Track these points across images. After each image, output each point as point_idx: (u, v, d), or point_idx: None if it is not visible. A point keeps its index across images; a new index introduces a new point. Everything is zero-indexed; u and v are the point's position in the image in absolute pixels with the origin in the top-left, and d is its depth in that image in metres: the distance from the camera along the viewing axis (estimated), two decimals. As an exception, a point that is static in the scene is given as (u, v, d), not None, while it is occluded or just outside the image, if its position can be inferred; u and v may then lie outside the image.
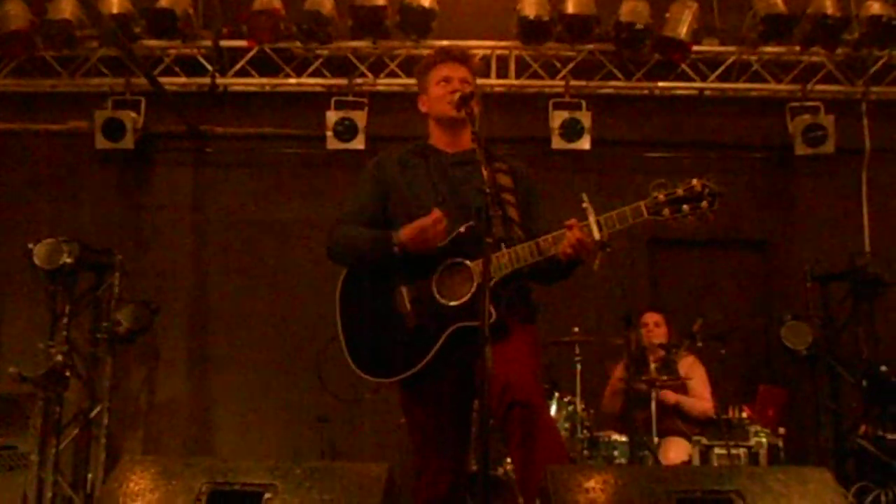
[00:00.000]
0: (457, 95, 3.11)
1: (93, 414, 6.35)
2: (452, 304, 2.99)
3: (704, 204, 2.94)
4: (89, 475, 6.31)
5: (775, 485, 2.43)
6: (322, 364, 5.29)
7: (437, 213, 2.98)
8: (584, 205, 2.97)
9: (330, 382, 5.84)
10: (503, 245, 2.95)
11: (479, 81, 6.77)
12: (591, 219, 2.93)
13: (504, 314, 2.94)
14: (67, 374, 5.90)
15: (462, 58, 3.30)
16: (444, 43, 6.83)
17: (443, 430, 3.07)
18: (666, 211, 2.95)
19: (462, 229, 3.02)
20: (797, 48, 6.90)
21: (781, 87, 7.04)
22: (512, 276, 3.01)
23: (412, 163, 3.23)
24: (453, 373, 2.99)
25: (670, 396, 5.43)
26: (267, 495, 2.40)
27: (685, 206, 2.94)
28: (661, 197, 2.94)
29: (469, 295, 2.96)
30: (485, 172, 2.83)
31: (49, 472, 5.88)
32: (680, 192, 2.95)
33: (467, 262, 3.01)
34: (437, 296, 3.01)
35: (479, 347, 2.56)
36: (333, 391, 5.75)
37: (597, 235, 2.92)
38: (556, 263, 3.01)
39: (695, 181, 2.96)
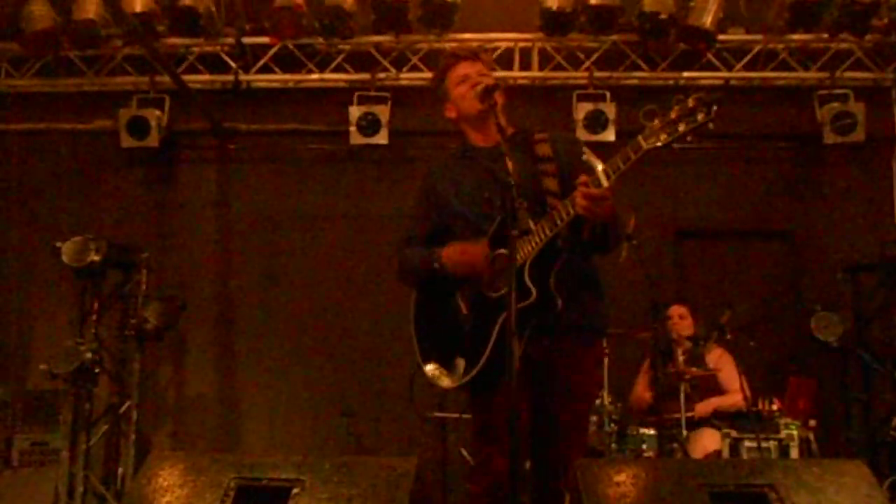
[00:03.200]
0: (479, 87, 3.11)
1: (122, 410, 6.39)
2: (495, 295, 3.02)
3: (701, 116, 2.79)
4: (119, 470, 6.35)
5: (810, 478, 2.38)
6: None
7: (485, 249, 3.04)
8: (585, 157, 2.94)
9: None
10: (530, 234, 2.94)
11: (503, 74, 6.84)
12: (598, 168, 2.86)
13: (554, 290, 2.96)
14: (97, 370, 5.94)
15: (474, 55, 3.31)
16: (467, 36, 6.83)
17: (497, 421, 3.02)
18: (663, 135, 2.83)
19: (493, 227, 3.04)
20: (825, 35, 6.78)
21: (809, 74, 6.93)
22: (549, 248, 2.97)
23: (455, 165, 3.29)
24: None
25: (705, 409, 5.36)
26: (295, 490, 2.40)
27: (682, 126, 2.82)
28: (657, 124, 2.85)
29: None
30: (509, 164, 2.81)
31: (79, 467, 5.93)
32: (673, 114, 2.83)
33: (505, 252, 2.97)
34: (485, 290, 3.05)
35: (533, 333, 2.84)
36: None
37: (605, 183, 2.85)
38: (589, 230, 2.96)
39: (688, 99, 2.82)
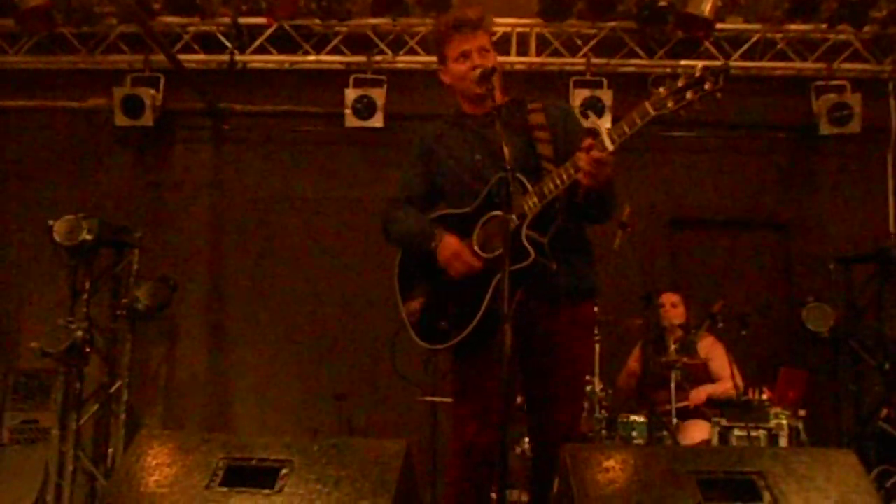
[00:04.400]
0: (477, 72, 3.10)
1: (113, 389, 6.38)
2: (489, 256, 3.02)
3: (708, 85, 2.80)
4: (110, 450, 6.36)
5: (799, 467, 2.39)
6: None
7: (477, 263, 3.05)
8: (591, 120, 2.96)
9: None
10: (523, 217, 2.98)
11: (500, 59, 6.78)
12: (603, 131, 2.85)
13: (549, 254, 2.97)
14: (88, 349, 5.92)
15: (476, 23, 3.21)
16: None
17: (484, 387, 3.04)
18: (670, 103, 2.84)
19: (486, 191, 3.07)
20: (823, 26, 6.77)
21: (807, 65, 6.92)
22: (546, 212, 2.99)
23: (449, 131, 3.30)
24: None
25: (699, 396, 5.38)
26: (283, 471, 2.40)
27: (689, 94, 2.82)
28: (664, 91, 2.85)
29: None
30: (506, 150, 2.80)
31: (70, 446, 5.92)
32: (681, 83, 2.84)
33: (501, 213, 2.92)
34: (479, 251, 3.05)
35: (526, 296, 2.88)
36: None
37: (609, 146, 2.83)
38: (586, 193, 2.94)
39: (696, 67, 2.85)
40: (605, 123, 2.82)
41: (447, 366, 3.39)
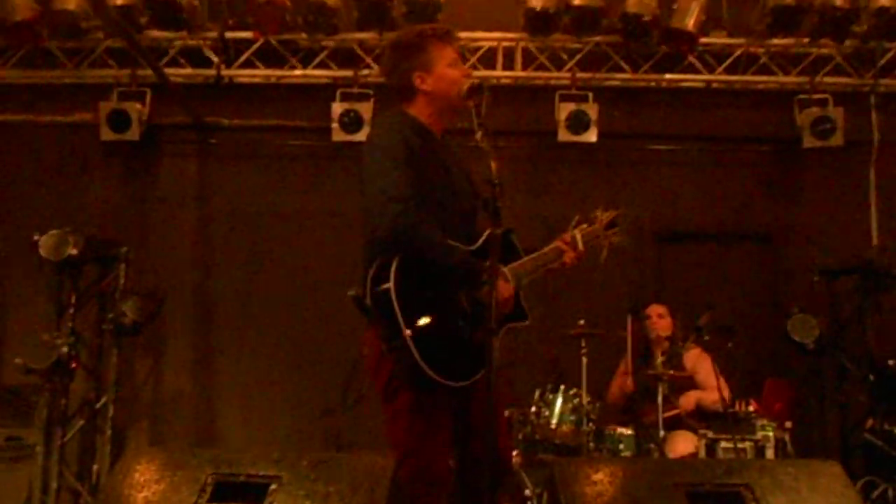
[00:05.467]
0: (467, 84, 3.04)
1: (98, 405, 6.33)
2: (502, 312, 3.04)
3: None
4: (95, 466, 6.30)
5: (785, 478, 2.41)
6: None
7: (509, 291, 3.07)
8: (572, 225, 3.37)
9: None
10: (512, 236, 3.11)
11: (486, 73, 6.85)
12: (578, 237, 3.33)
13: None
14: (73, 365, 5.88)
15: (458, 41, 3.28)
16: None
17: (447, 426, 3.01)
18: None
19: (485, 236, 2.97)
20: (805, 40, 6.85)
21: (789, 79, 7.00)
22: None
23: (419, 139, 3.08)
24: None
25: (687, 402, 5.39)
26: (272, 486, 2.39)
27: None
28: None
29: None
30: (493, 165, 2.80)
31: (54, 463, 5.87)
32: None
33: (501, 267, 3.00)
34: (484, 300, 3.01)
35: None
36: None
37: (582, 247, 3.32)
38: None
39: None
40: (575, 232, 3.36)
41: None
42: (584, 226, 3.37)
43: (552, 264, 3.24)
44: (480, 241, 3.04)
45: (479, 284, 2.88)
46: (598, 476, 2.41)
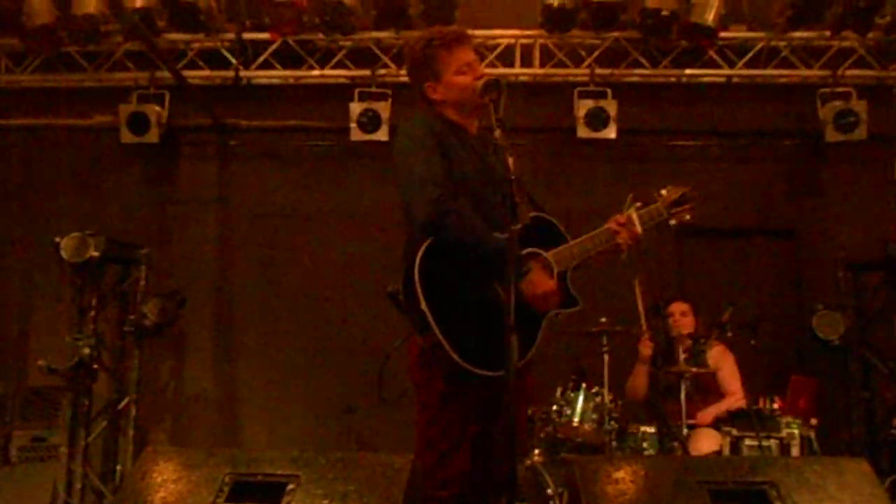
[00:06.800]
0: (481, 82, 3.07)
1: (121, 406, 6.38)
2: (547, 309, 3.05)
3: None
4: (118, 467, 6.35)
5: (811, 476, 2.36)
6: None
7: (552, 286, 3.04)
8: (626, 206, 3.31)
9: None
10: (530, 230, 3.06)
11: (504, 70, 6.82)
12: (635, 218, 3.27)
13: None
14: (95, 366, 5.94)
15: (471, 40, 3.24)
16: (468, 32, 6.78)
17: (480, 430, 2.98)
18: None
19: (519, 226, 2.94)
20: (827, 33, 6.75)
21: (812, 72, 6.90)
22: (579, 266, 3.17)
23: (449, 135, 3.11)
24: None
25: (704, 419, 5.33)
26: (290, 486, 2.38)
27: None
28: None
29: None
30: (510, 160, 2.81)
31: (78, 463, 5.92)
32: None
33: (542, 252, 3.08)
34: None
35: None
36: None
37: (639, 230, 3.26)
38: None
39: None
40: (631, 212, 3.28)
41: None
42: (638, 205, 3.31)
43: (603, 247, 3.16)
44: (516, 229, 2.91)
45: (517, 273, 2.83)
46: (620, 475, 2.37)
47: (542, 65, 6.96)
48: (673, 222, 3.37)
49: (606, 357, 5.24)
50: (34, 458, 6.15)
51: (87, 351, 5.80)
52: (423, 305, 2.84)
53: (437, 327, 2.83)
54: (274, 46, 6.96)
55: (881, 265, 6.34)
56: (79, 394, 5.99)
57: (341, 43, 6.96)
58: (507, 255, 2.74)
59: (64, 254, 5.90)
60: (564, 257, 3.11)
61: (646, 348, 5.50)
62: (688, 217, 3.42)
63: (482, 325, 2.85)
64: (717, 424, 5.24)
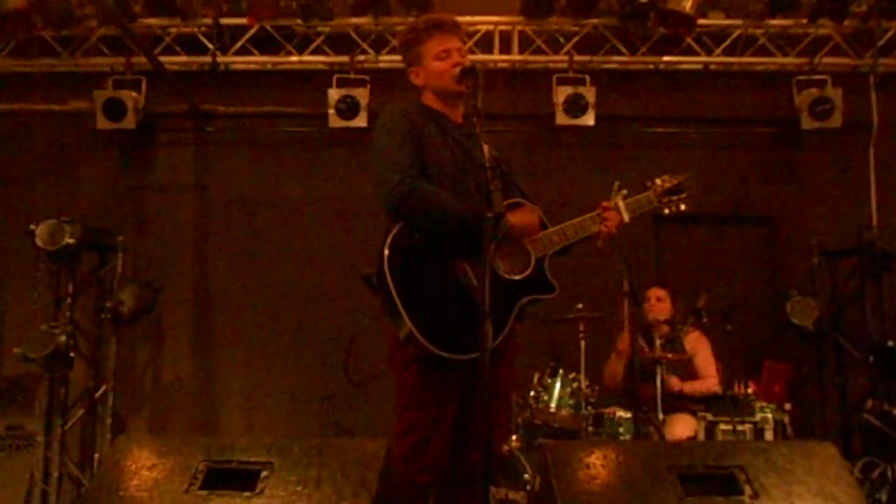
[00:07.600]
0: (458, 69, 3.11)
1: (98, 394, 6.36)
2: (516, 277, 3.07)
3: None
4: (96, 455, 6.34)
5: (779, 459, 2.40)
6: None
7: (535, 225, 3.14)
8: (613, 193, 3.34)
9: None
10: (504, 218, 2.95)
11: (482, 57, 6.81)
12: (621, 205, 3.30)
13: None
14: (72, 354, 5.90)
15: (455, 27, 3.25)
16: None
17: (451, 412, 3.03)
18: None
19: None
20: (804, 21, 6.78)
21: (788, 60, 6.95)
22: (559, 252, 3.21)
23: (428, 123, 3.16)
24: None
25: (675, 384, 5.40)
26: (264, 473, 2.39)
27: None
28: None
29: (530, 269, 3.11)
30: (485, 148, 2.83)
31: (55, 451, 5.90)
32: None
33: (522, 241, 3.13)
34: (501, 270, 3.05)
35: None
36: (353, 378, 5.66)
37: (626, 218, 3.29)
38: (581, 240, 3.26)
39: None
40: (618, 200, 3.34)
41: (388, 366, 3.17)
42: (625, 192, 3.34)
43: (585, 233, 3.21)
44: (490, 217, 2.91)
45: (497, 241, 2.85)
46: (591, 459, 2.40)
47: (521, 51, 6.96)
48: (666, 212, 3.41)
49: (583, 343, 5.28)
50: (10, 447, 6.11)
51: (63, 339, 5.76)
52: (393, 291, 2.88)
53: (406, 314, 2.86)
54: (251, 32, 6.91)
55: (855, 252, 6.42)
56: (55, 382, 5.96)
57: (319, 29, 6.92)
58: (478, 213, 2.74)
59: (39, 241, 5.85)
60: (543, 244, 3.15)
61: (623, 343, 5.53)
62: (683, 207, 3.45)
63: (452, 309, 2.89)
64: (693, 410, 5.31)
